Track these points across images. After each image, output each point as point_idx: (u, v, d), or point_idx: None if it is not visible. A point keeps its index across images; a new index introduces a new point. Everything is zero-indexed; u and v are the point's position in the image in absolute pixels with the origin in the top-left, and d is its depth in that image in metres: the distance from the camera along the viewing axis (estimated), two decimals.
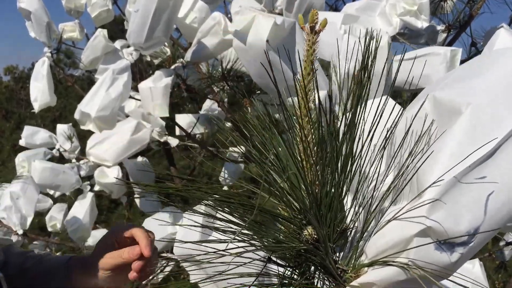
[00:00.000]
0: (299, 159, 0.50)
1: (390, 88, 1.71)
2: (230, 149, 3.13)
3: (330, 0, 3.85)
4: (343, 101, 0.99)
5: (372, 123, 0.55)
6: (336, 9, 3.80)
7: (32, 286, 0.94)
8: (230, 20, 2.23)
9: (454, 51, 2.00)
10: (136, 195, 3.16)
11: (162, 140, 2.97)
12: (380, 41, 1.53)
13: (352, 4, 2.33)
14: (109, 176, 2.96)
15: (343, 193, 0.53)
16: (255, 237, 0.52)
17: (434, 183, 0.48)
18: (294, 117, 0.54)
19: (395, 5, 2.23)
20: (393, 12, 2.26)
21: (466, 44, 2.95)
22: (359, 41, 1.62)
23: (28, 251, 1.02)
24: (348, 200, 0.56)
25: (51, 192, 3.40)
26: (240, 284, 0.56)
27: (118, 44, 3.25)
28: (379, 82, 1.67)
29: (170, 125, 3.25)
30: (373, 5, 2.30)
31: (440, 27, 2.91)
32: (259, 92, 2.48)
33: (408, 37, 3.01)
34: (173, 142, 3.07)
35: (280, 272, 0.57)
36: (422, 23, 2.25)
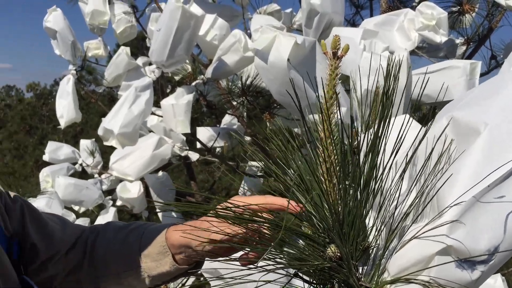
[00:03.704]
0: (322, 179, 0.53)
1: (410, 103, 1.72)
2: (249, 163, 3.16)
3: (347, 15, 3.88)
4: (364, 119, 1.01)
5: (395, 143, 0.57)
6: (354, 23, 3.83)
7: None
8: (250, 36, 2.27)
9: (474, 64, 2.00)
10: (157, 210, 3.20)
11: (182, 154, 3.01)
12: (401, 58, 1.54)
13: (370, 19, 2.35)
14: (131, 191, 3.01)
15: (365, 212, 0.54)
16: (280, 254, 0.54)
17: (453, 203, 0.49)
18: (317, 137, 0.56)
19: (414, 20, 2.25)
20: (411, 26, 2.27)
21: (486, 57, 2.95)
22: (380, 57, 1.64)
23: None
24: (370, 219, 0.58)
25: (75, 207, 3.46)
26: None
27: (140, 61, 3.32)
28: (401, 98, 1.68)
29: (190, 139, 3.29)
30: (391, 20, 2.31)
31: (459, 41, 2.91)
32: (278, 106, 2.51)
33: (427, 51, 3.01)
34: (194, 156, 3.11)
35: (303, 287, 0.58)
36: (440, 38, 2.26)
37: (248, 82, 2.44)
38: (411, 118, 0.78)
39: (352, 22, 3.91)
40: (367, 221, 0.57)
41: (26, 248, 0.86)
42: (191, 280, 2.52)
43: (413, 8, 2.47)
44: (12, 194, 0.90)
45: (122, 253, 0.90)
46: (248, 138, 2.86)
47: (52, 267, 0.90)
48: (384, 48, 1.94)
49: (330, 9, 1.98)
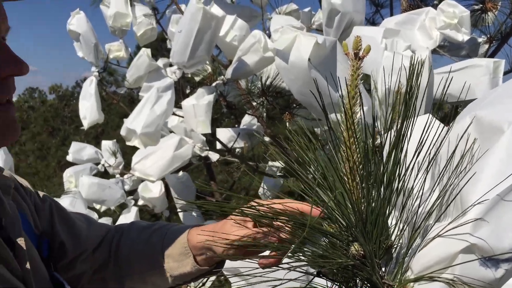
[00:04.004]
0: (345, 179, 0.53)
1: (432, 102, 1.70)
2: (270, 163, 3.17)
3: (367, 14, 3.86)
4: (385, 118, 1.01)
5: (418, 142, 0.57)
6: (374, 23, 3.81)
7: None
8: (269, 37, 2.28)
9: (497, 62, 1.98)
10: (178, 210, 3.23)
11: (203, 155, 3.03)
12: (422, 57, 1.53)
13: (391, 18, 2.34)
14: (153, 191, 3.04)
15: (388, 211, 0.55)
16: (303, 252, 0.55)
17: (477, 201, 0.49)
18: (339, 136, 0.56)
19: (435, 18, 2.22)
20: (433, 25, 2.25)
21: (509, 55, 2.91)
22: (402, 56, 1.63)
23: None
24: (393, 218, 0.58)
25: (97, 206, 3.52)
26: None
27: (160, 62, 3.35)
28: (423, 97, 1.66)
29: (210, 140, 3.31)
30: (413, 19, 2.30)
31: (481, 39, 2.87)
32: (297, 106, 2.51)
33: (448, 50, 2.98)
34: (214, 157, 3.13)
35: (328, 287, 0.59)
36: (463, 36, 2.23)
37: (267, 83, 2.45)
38: (433, 118, 0.78)
39: (372, 21, 3.89)
40: (390, 220, 0.57)
41: (55, 246, 0.89)
42: (212, 279, 2.55)
43: (435, 6, 2.45)
44: (41, 194, 0.93)
45: (146, 253, 0.92)
46: (267, 139, 2.87)
47: (79, 265, 0.92)
48: (406, 47, 1.93)
49: (351, 8, 1.97)
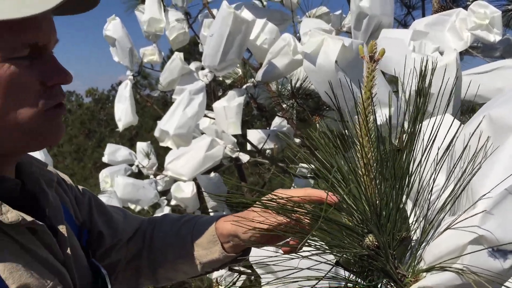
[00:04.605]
0: (360, 174, 0.57)
1: (459, 103, 1.70)
2: (300, 164, 3.20)
3: (399, 16, 3.85)
4: (409, 119, 1.04)
5: (429, 139, 0.60)
6: (405, 24, 3.79)
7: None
8: (299, 40, 2.31)
9: None
10: (209, 210, 3.30)
11: (234, 156, 3.09)
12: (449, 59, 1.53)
13: (421, 20, 2.34)
14: (185, 191, 3.12)
15: (402, 205, 0.58)
16: (322, 242, 0.59)
17: (485, 195, 0.52)
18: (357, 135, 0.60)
19: (466, 19, 2.21)
20: (463, 26, 2.24)
21: None
22: (428, 58, 1.64)
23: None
24: (408, 211, 0.62)
25: (132, 206, 3.62)
26: (309, 286, 0.63)
27: (193, 65, 3.43)
28: (449, 99, 1.67)
29: (241, 141, 3.37)
30: (443, 20, 2.29)
31: None
32: (327, 108, 2.53)
33: (482, 51, 2.95)
34: (244, 158, 3.18)
35: (346, 276, 0.63)
36: (494, 37, 2.21)
37: (297, 85, 2.48)
38: (450, 117, 0.80)
39: (403, 23, 3.87)
40: (405, 213, 0.61)
41: (93, 236, 0.96)
42: (242, 278, 2.59)
43: (466, 7, 2.43)
44: (80, 188, 1.00)
45: (177, 244, 0.98)
46: (297, 140, 2.90)
47: (114, 254, 0.99)
48: (434, 49, 1.93)
49: (379, 11, 1.99)
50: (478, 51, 2.92)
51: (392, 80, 2.33)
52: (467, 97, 1.84)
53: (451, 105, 1.56)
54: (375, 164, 0.56)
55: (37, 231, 0.76)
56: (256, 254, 0.96)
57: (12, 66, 0.71)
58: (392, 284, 0.60)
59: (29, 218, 0.74)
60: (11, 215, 0.71)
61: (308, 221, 0.60)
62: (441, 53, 1.88)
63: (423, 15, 3.50)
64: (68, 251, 0.81)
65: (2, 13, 0.68)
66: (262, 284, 1.13)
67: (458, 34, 2.26)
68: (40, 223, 0.76)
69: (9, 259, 0.70)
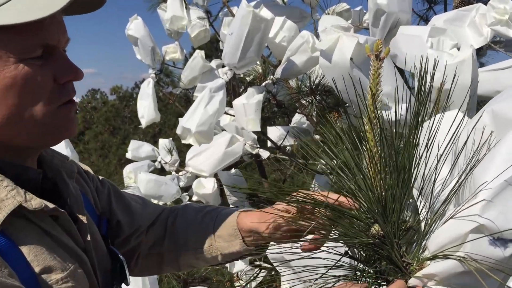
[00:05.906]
0: (366, 165, 0.60)
1: (476, 99, 1.70)
2: (320, 161, 3.21)
3: (420, 11, 3.83)
4: (423, 114, 1.05)
5: (431, 133, 0.63)
6: (427, 19, 3.77)
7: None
8: (318, 37, 2.33)
9: None
10: (231, 206, 3.34)
11: (254, 152, 3.12)
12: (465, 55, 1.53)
13: (441, 15, 2.33)
14: (206, 187, 3.17)
15: (406, 196, 0.61)
16: (330, 231, 0.62)
17: (482, 185, 0.55)
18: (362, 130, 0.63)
19: (485, 15, 2.21)
20: (483, 22, 2.23)
21: None
22: (444, 55, 1.64)
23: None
24: (413, 202, 0.64)
25: (154, 201, 3.69)
26: (319, 274, 0.66)
27: (214, 63, 3.47)
28: (466, 95, 1.67)
29: (261, 138, 3.40)
30: (462, 15, 2.28)
31: None
32: (347, 105, 2.55)
33: (504, 46, 2.92)
34: (264, 154, 3.21)
35: (353, 264, 0.66)
36: None
37: (316, 81, 2.51)
38: (460, 113, 0.82)
39: (425, 18, 3.85)
40: (410, 204, 0.63)
41: (112, 224, 1.01)
42: (262, 274, 2.62)
43: (486, 3, 2.41)
44: (100, 178, 1.05)
45: (199, 233, 1.03)
46: (317, 136, 2.92)
47: (134, 240, 1.04)
48: (452, 46, 1.93)
49: (397, 8, 2.00)
50: (501, 46, 2.89)
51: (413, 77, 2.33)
52: (487, 93, 1.83)
53: (466, 100, 1.57)
54: (380, 158, 0.59)
55: (59, 218, 0.81)
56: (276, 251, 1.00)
57: (26, 67, 0.75)
58: (398, 271, 0.63)
59: (51, 205, 0.78)
60: (35, 202, 0.76)
61: (325, 216, 0.63)
62: (459, 49, 1.88)
63: (445, 10, 3.48)
64: (88, 238, 0.86)
65: (14, 17, 0.71)
66: (282, 281, 1.16)
67: (478, 30, 2.26)
68: (62, 210, 0.80)
69: (33, 243, 0.75)
